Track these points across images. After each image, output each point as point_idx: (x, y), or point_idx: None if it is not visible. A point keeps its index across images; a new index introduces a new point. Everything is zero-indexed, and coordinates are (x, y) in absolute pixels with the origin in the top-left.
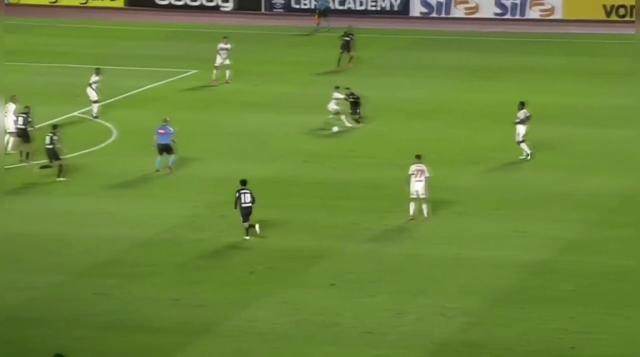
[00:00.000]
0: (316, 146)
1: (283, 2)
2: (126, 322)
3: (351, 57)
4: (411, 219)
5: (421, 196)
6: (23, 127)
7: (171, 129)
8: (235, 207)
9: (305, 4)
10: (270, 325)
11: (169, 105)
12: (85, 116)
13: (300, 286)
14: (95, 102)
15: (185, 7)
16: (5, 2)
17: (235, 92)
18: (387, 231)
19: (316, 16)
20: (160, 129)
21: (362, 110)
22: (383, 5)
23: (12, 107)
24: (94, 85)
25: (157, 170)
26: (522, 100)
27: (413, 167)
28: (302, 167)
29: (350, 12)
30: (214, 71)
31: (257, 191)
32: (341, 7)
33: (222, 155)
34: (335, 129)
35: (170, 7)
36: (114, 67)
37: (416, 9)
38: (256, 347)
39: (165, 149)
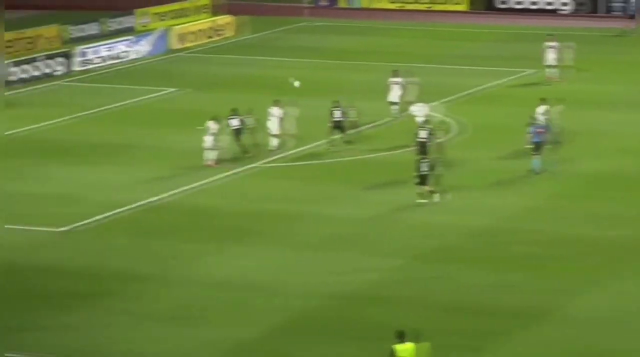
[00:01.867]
0: None
1: (622, 5)
2: (463, 305)
3: None
4: None
5: None
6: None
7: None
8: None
9: None
10: (606, 314)
11: (509, 103)
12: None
13: (633, 277)
14: (394, 104)
15: (525, 11)
16: (355, 6)
17: (571, 91)
18: None
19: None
20: (539, 128)
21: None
22: None
23: (275, 110)
24: (396, 86)
25: (536, 172)
26: None
27: None
28: (632, 164)
29: None
30: (546, 70)
31: (586, 184)
32: None
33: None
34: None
35: (510, 10)
36: (456, 66)
37: None
38: (593, 335)
39: (540, 147)
